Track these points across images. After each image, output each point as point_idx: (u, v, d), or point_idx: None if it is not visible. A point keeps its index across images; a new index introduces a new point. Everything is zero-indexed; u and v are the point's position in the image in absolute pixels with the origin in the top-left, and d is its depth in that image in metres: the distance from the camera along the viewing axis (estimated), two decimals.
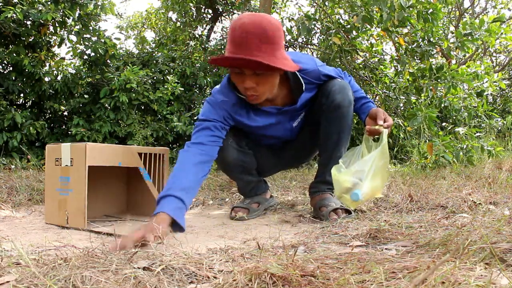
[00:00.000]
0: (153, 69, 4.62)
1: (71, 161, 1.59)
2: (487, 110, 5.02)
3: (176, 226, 1.34)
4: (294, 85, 1.66)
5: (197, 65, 4.92)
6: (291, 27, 4.26)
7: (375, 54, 4.64)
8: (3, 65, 3.94)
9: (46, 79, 3.94)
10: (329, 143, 1.73)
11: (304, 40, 4.97)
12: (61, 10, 3.76)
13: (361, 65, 4.56)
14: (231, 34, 1.42)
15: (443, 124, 5.35)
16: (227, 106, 1.63)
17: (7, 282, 0.79)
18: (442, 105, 4.79)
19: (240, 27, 1.39)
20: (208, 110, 1.64)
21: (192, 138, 1.62)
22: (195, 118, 4.57)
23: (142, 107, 4.45)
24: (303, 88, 1.67)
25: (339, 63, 4.33)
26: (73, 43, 4.05)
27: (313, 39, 4.96)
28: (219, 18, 6.35)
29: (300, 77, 1.66)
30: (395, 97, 4.42)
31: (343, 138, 1.73)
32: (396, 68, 4.34)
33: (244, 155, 1.81)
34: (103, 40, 4.05)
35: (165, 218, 1.30)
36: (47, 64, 4.14)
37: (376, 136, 1.58)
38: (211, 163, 1.59)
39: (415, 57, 3.95)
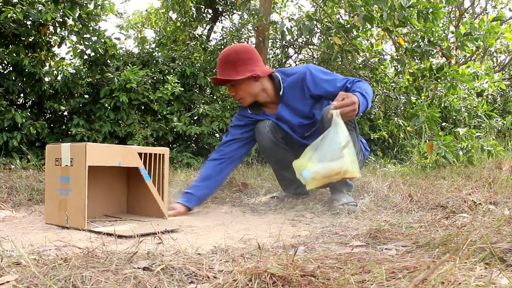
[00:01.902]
0: (153, 69, 4.62)
1: (71, 161, 1.59)
2: (487, 110, 5.02)
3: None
4: (278, 91, 2.08)
5: (197, 65, 4.92)
6: (291, 27, 4.26)
7: (375, 54, 4.65)
8: (3, 65, 3.93)
9: (46, 79, 3.93)
10: None
11: (304, 40, 4.97)
12: (61, 10, 3.76)
13: (361, 65, 4.56)
14: None
15: (443, 124, 5.35)
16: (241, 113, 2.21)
17: (7, 282, 0.79)
18: (442, 105, 4.79)
19: (219, 55, 2.04)
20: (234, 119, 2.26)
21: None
22: (195, 118, 4.57)
23: (142, 107, 4.45)
24: (280, 92, 2.05)
25: (340, 63, 4.33)
26: (73, 43, 4.04)
27: (313, 39, 4.96)
28: (219, 18, 6.35)
29: (282, 85, 2.05)
30: (395, 97, 4.42)
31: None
32: (396, 68, 4.34)
33: (277, 147, 2.15)
34: (103, 40, 4.05)
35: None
36: (47, 64, 4.13)
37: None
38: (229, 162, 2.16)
39: (415, 57, 3.95)
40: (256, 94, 2.07)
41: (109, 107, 4.06)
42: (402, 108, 4.55)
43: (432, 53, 3.81)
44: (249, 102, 2.09)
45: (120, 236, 1.39)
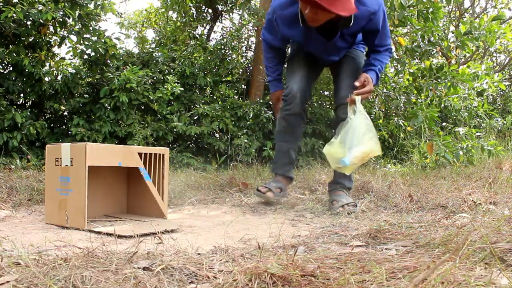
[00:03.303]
0: (153, 69, 4.62)
1: (71, 161, 1.59)
2: (487, 110, 5.02)
3: None
4: (344, 21, 1.86)
5: (197, 65, 4.92)
6: None
7: None
8: (3, 65, 3.93)
9: (46, 79, 3.93)
10: None
11: None
12: (61, 10, 3.76)
13: None
14: None
15: (443, 124, 5.35)
16: (280, 20, 1.96)
17: (7, 282, 0.79)
18: (442, 105, 4.79)
19: None
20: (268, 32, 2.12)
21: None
22: (195, 118, 4.56)
23: (142, 107, 4.45)
24: (350, 24, 1.85)
25: None
26: (73, 43, 4.04)
27: None
28: (219, 17, 6.35)
29: (353, 17, 1.84)
30: (395, 97, 4.42)
31: None
32: (396, 68, 4.34)
33: (301, 119, 2.13)
34: (103, 40, 4.05)
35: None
36: (47, 64, 4.13)
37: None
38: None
39: (415, 57, 3.95)
40: None
41: (109, 107, 4.06)
42: (402, 109, 4.55)
43: (432, 52, 3.81)
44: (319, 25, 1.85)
45: (120, 236, 1.39)
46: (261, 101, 4.92)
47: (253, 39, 5.84)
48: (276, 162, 2.23)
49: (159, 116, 4.43)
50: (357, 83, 1.83)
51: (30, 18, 3.70)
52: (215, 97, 5.10)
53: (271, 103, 2.18)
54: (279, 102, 2.20)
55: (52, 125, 4.19)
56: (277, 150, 2.24)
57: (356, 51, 2.15)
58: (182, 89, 4.50)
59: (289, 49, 2.37)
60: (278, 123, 2.19)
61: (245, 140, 4.28)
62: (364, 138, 1.66)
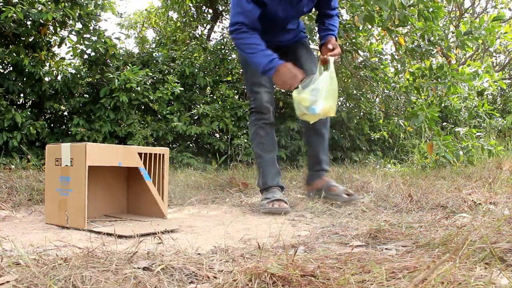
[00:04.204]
0: (153, 69, 4.62)
1: (71, 161, 1.59)
2: (487, 109, 5.02)
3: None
4: None
5: (197, 64, 4.92)
6: None
7: (375, 54, 4.64)
8: (3, 65, 3.93)
9: (46, 79, 3.93)
10: (317, 143, 2.16)
11: None
12: (61, 10, 3.76)
13: (361, 65, 4.56)
14: None
15: (444, 124, 5.35)
16: None
17: (7, 282, 0.79)
18: (442, 105, 4.79)
19: None
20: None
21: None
22: (195, 118, 4.56)
23: (142, 107, 4.45)
24: None
25: (340, 63, 4.34)
26: (73, 43, 4.04)
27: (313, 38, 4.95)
28: (219, 17, 6.35)
29: None
30: (395, 97, 4.42)
31: (326, 139, 2.16)
32: (396, 68, 4.34)
33: (271, 130, 2.13)
34: (103, 40, 4.05)
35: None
36: (47, 64, 4.13)
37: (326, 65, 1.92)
38: None
39: (415, 57, 3.95)
40: None
41: (109, 107, 4.06)
42: (402, 109, 4.55)
43: (432, 52, 3.81)
44: None
45: (120, 236, 1.39)
46: None
47: None
48: (265, 175, 2.08)
49: (159, 116, 4.43)
50: (330, 46, 1.95)
51: (30, 18, 3.70)
52: (215, 97, 5.11)
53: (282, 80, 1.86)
54: (296, 77, 1.84)
55: (52, 125, 4.19)
56: (261, 163, 2.11)
57: (307, 43, 2.26)
58: (182, 89, 4.50)
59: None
60: (256, 135, 2.10)
61: (245, 140, 4.28)
62: (333, 96, 1.79)
